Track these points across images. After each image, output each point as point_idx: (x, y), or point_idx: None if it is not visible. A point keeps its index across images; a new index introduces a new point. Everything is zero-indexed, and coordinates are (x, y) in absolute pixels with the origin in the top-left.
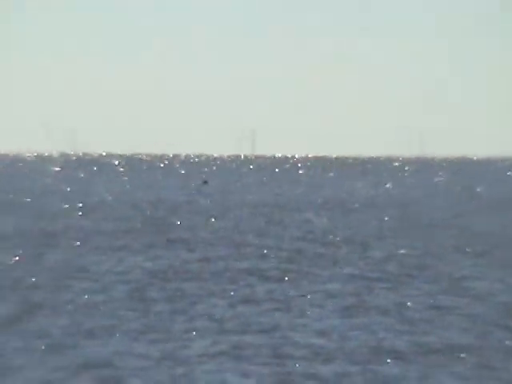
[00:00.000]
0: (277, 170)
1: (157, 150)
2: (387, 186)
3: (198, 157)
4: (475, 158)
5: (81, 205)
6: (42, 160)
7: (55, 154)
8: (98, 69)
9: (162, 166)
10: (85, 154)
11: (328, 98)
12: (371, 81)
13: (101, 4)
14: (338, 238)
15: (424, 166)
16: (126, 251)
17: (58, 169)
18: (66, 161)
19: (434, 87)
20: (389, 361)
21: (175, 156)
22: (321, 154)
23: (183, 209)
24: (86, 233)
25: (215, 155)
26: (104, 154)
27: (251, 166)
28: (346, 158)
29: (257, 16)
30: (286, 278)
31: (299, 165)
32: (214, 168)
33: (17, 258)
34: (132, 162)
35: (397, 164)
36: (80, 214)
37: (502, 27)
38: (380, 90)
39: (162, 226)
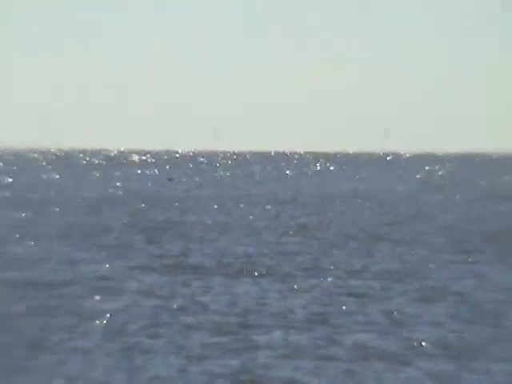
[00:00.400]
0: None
1: (149, 148)
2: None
3: (172, 153)
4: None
5: (48, 200)
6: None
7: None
8: (97, 69)
9: (130, 162)
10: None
11: (328, 98)
12: (371, 81)
13: (101, 4)
14: (305, 234)
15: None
16: (98, 247)
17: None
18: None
19: (434, 87)
20: (361, 358)
21: (146, 152)
22: (313, 149)
23: (148, 204)
24: (57, 228)
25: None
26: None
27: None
28: (334, 153)
29: (257, 16)
30: (252, 274)
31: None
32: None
33: None
34: (113, 159)
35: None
36: (54, 209)
37: (502, 27)
38: (380, 90)
39: (129, 223)
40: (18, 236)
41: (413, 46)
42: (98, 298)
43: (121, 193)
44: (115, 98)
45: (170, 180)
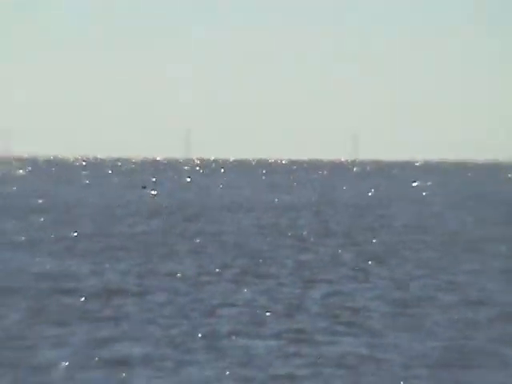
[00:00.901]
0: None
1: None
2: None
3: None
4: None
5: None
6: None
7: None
8: (97, 66)
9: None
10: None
11: (328, 97)
12: (371, 81)
13: (101, 4)
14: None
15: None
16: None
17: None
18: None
19: (434, 87)
20: (329, 368)
21: (117, 160)
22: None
23: (121, 213)
24: (34, 237)
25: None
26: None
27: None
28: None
29: (257, 15)
30: (226, 282)
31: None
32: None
33: None
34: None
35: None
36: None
37: (501, 27)
38: (380, 90)
39: (101, 233)
40: None
41: (414, 47)
42: (74, 309)
43: (92, 200)
44: (114, 97)
45: (144, 188)
